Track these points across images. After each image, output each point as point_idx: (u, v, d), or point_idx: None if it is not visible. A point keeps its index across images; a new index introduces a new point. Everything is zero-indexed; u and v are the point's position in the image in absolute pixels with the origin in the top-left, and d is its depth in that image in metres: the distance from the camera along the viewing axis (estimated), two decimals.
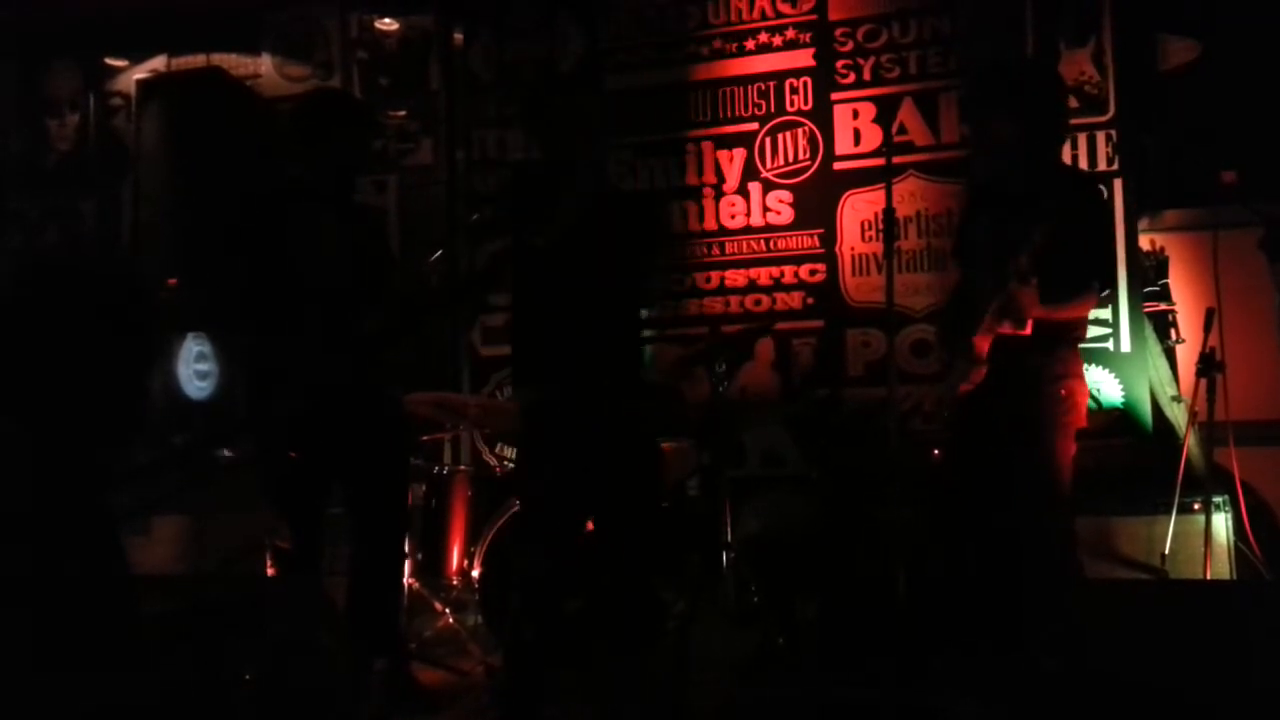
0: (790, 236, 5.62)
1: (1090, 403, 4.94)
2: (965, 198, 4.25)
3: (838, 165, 5.56)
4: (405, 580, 4.37)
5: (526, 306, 3.52)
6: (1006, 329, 3.56)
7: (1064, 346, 3.65)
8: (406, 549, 4.31)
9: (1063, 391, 3.62)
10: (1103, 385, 5.05)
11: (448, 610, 4.66)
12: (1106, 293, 4.78)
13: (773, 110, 5.66)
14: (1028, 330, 3.53)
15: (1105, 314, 5.05)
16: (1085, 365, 4.63)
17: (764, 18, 5.71)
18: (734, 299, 5.67)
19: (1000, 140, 3.70)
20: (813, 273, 5.58)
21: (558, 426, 3.38)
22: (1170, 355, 5.09)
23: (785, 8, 5.68)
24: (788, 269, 5.62)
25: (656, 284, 3.64)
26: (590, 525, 3.57)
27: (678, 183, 5.75)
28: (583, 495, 3.41)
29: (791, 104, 5.64)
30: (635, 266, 3.51)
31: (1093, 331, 5.00)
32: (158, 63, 6.73)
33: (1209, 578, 4.34)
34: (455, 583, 4.69)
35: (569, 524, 3.43)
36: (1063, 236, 3.45)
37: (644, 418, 3.55)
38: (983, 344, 3.61)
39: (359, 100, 5.77)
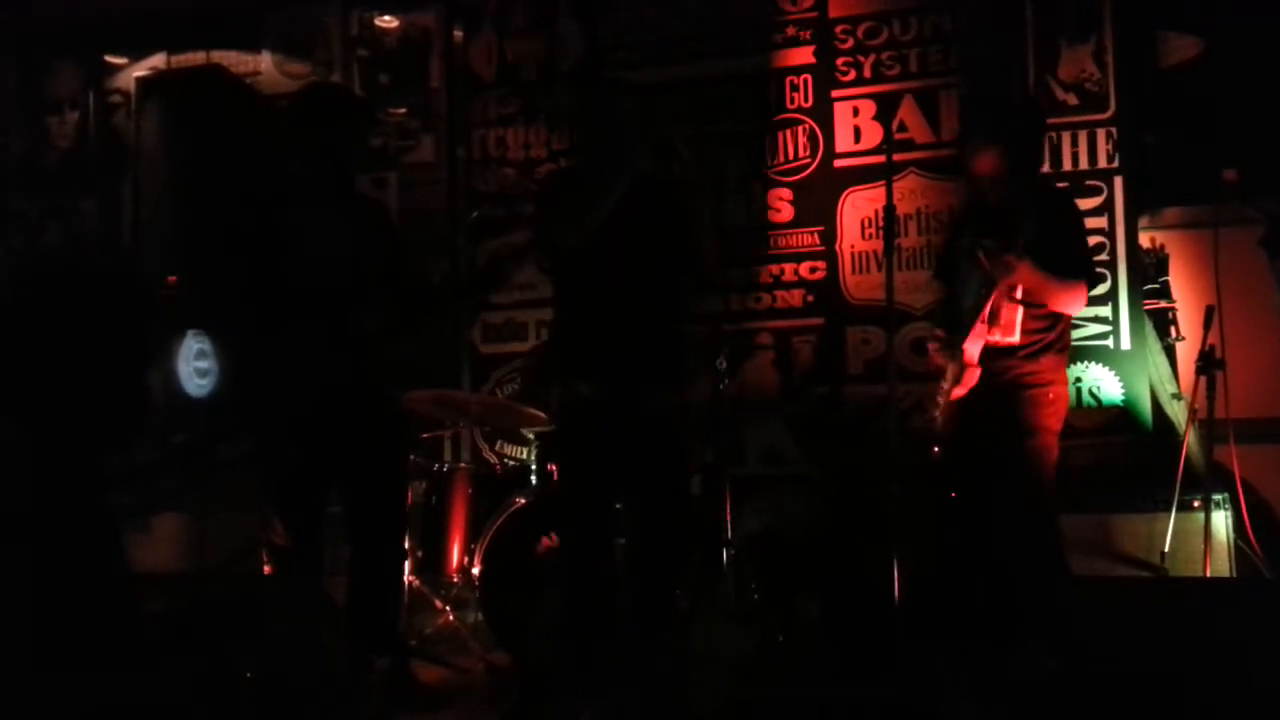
0: (790, 234, 5.62)
1: (1090, 400, 4.99)
2: (948, 223, 4.37)
3: (838, 163, 5.55)
4: (405, 578, 4.38)
5: (564, 305, 3.52)
6: (995, 337, 3.77)
7: (1050, 353, 3.83)
8: (406, 547, 4.31)
9: (1050, 395, 3.80)
10: (1102, 383, 5.05)
11: (448, 608, 4.66)
12: (1101, 290, 4.87)
13: (773, 108, 5.66)
14: (1016, 337, 3.77)
15: (1105, 311, 5.06)
16: (1085, 363, 4.79)
17: (765, 15, 5.70)
18: (734, 296, 5.66)
19: (984, 169, 3.91)
20: (813, 270, 5.58)
21: (595, 423, 3.37)
22: (1170, 353, 5.08)
23: (786, 5, 5.67)
24: (788, 266, 5.61)
25: (698, 275, 3.62)
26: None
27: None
28: (615, 492, 3.41)
29: (792, 101, 5.64)
30: (672, 259, 3.49)
31: (1093, 329, 5.03)
32: (158, 60, 6.73)
33: (1209, 575, 4.34)
34: (455, 580, 4.68)
35: (602, 521, 3.43)
36: (1047, 239, 3.67)
37: (680, 415, 3.54)
38: (973, 350, 3.78)
39: (356, 94, 5.76)
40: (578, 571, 3.41)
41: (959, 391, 3.83)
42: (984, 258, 3.73)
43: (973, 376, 3.80)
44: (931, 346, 4.05)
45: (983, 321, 3.75)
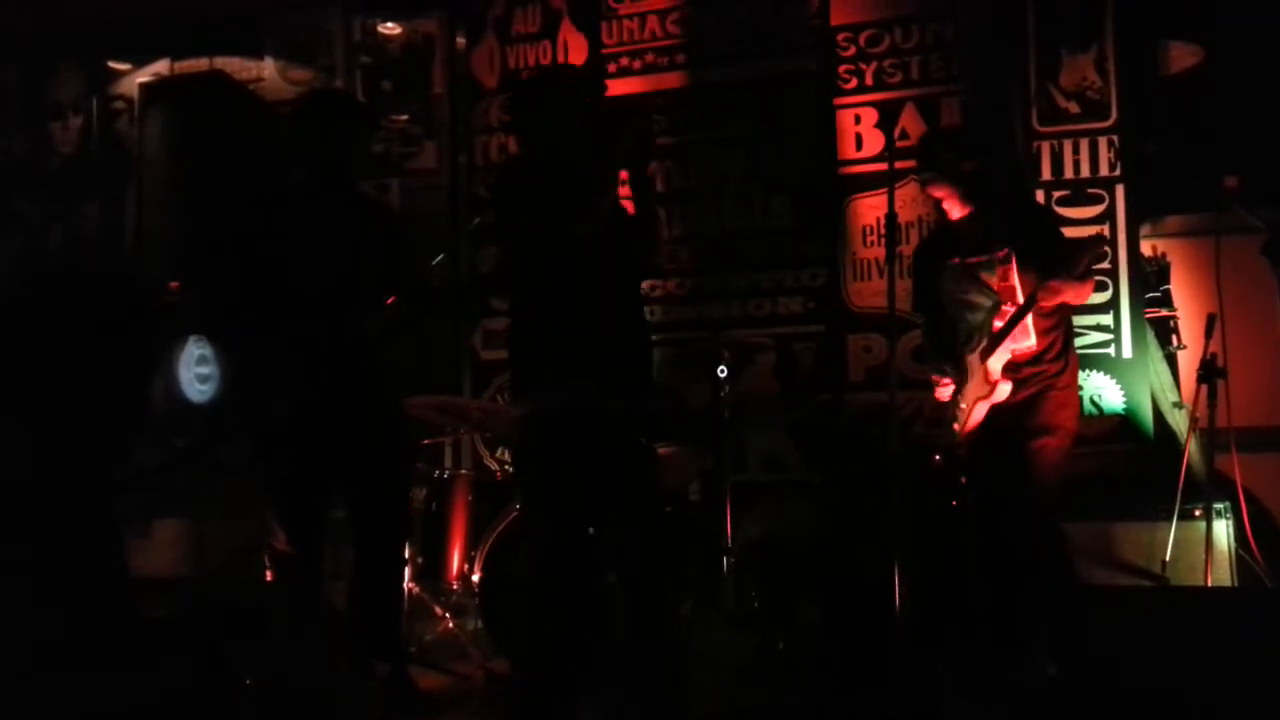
0: (792, 241, 5.61)
1: (1091, 409, 4.99)
2: (917, 254, 4.37)
3: (840, 170, 5.55)
4: (406, 584, 4.37)
5: (538, 310, 3.49)
6: (1015, 346, 3.85)
7: (1070, 354, 3.95)
8: (407, 553, 4.30)
9: (1075, 397, 3.95)
10: (1104, 391, 5.05)
11: (448, 614, 4.66)
12: (1103, 298, 4.89)
13: (775, 115, 5.66)
14: (1034, 340, 3.86)
15: (1107, 320, 5.06)
16: (1087, 372, 4.87)
17: (766, 22, 5.70)
18: (735, 303, 5.66)
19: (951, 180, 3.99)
20: (814, 277, 5.58)
21: (574, 429, 3.35)
22: (1172, 361, 5.08)
23: (788, 12, 5.67)
24: (789, 273, 5.61)
25: (649, 271, 3.63)
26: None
27: (680, 186, 5.77)
28: (594, 497, 3.39)
29: (794, 108, 5.63)
30: (633, 258, 3.50)
31: (1094, 337, 5.03)
32: (160, 66, 6.74)
33: (1210, 584, 4.33)
34: (455, 587, 4.67)
35: (584, 526, 3.42)
36: (1044, 245, 3.88)
37: (654, 419, 3.55)
38: (996, 367, 3.87)
39: (358, 100, 5.77)
40: (562, 577, 3.37)
41: (984, 407, 3.91)
42: (1005, 281, 3.84)
43: (1003, 391, 3.88)
44: (942, 387, 4.09)
45: (1010, 339, 3.84)
